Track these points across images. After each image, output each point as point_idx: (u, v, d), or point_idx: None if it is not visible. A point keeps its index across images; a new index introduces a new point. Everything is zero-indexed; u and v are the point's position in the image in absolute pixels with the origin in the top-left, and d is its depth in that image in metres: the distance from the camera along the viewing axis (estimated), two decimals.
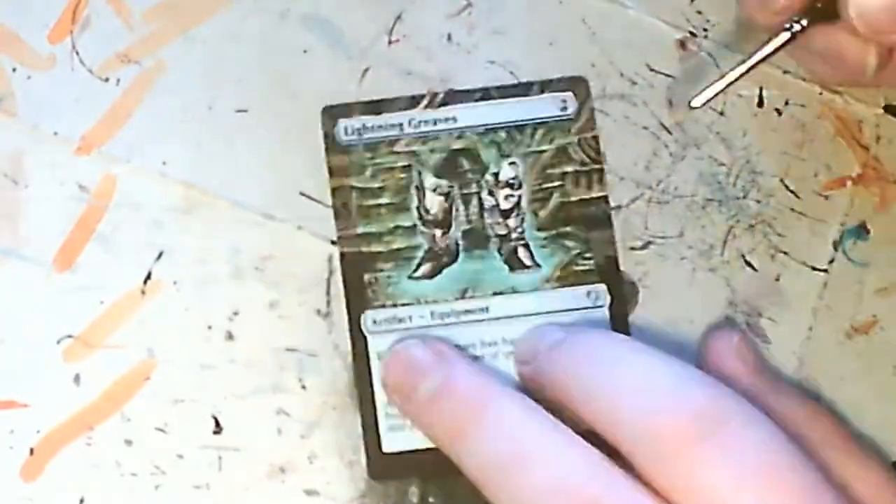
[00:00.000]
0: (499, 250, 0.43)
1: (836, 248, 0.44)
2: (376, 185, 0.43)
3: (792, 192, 0.44)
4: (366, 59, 0.44)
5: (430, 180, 0.43)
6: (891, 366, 0.44)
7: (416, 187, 0.43)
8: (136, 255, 0.43)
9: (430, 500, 0.42)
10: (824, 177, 0.45)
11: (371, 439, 0.41)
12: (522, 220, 0.43)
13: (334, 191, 0.43)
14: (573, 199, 0.43)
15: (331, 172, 0.43)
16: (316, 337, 0.43)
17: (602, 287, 0.43)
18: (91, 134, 0.43)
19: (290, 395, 0.42)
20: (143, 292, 0.43)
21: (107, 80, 0.44)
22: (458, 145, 0.43)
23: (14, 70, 0.43)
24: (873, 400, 0.43)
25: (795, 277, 0.44)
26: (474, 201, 0.43)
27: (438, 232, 0.43)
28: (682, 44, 0.45)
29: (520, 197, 0.43)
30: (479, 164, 0.43)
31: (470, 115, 0.43)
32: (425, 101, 0.43)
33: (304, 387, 0.42)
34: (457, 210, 0.43)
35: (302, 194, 0.43)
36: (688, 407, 0.34)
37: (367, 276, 0.42)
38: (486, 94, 0.44)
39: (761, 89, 0.45)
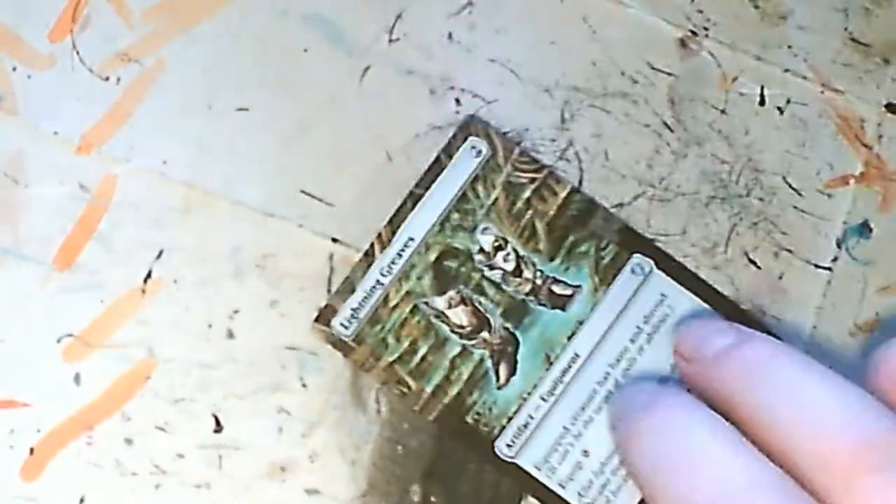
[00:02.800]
0: (540, 304, 0.42)
1: (839, 247, 0.44)
2: (405, 344, 0.42)
3: (795, 190, 0.44)
4: (366, 58, 0.44)
5: (439, 302, 0.42)
6: None
7: (436, 317, 0.42)
8: (136, 255, 0.43)
9: (433, 499, 0.42)
10: (827, 175, 0.45)
11: None
12: (533, 264, 0.42)
13: (381, 380, 0.42)
14: (551, 213, 0.43)
15: (364, 368, 0.42)
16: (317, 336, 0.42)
17: (637, 257, 0.42)
18: (91, 133, 0.43)
19: (291, 394, 0.42)
20: (143, 291, 0.42)
21: (107, 79, 0.44)
22: (433, 255, 0.43)
23: (14, 69, 0.43)
24: None
25: (799, 275, 0.44)
26: (486, 285, 0.42)
27: (485, 334, 0.42)
28: (682, 42, 0.45)
29: (514, 250, 0.43)
30: (461, 254, 0.43)
31: (419, 224, 0.43)
32: (378, 247, 0.43)
33: (304, 385, 0.42)
34: (480, 304, 0.42)
35: (303, 192, 0.43)
36: (861, 438, 0.34)
37: (469, 420, 0.42)
38: (414, 198, 0.43)
39: (763, 88, 0.45)
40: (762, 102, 0.45)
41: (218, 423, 0.42)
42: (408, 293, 0.42)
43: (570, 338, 0.42)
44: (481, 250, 0.43)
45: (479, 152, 0.43)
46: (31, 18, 0.44)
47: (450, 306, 0.42)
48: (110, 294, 0.42)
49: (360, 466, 0.42)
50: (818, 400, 0.35)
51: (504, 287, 0.42)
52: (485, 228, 0.43)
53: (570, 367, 0.42)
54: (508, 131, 0.44)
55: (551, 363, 0.42)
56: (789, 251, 0.44)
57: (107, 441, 0.42)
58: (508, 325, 0.42)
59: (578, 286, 0.42)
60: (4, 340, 0.42)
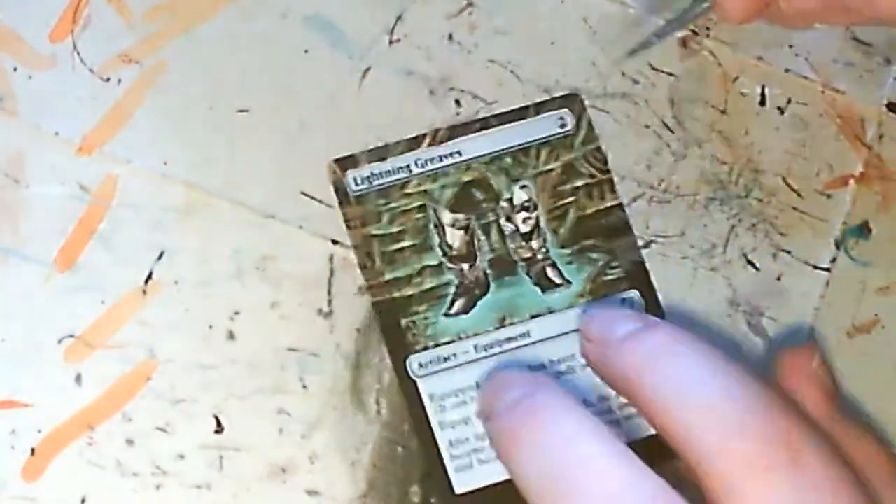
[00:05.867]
0: (528, 273, 0.43)
1: (838, 247, 0.44)
2: (395, 229, 0.43)
3: (794, 190, 0.44)
4: (367, 59, 0.44)
5: (446, 216, 0.43)
6: (892, 365, 0.44)
7: (435, 225, 0.43)
8: (137, 255, 0.43)
9: (432, 500, 0.42)
10: (826, 175, 0.45)
11: (440, 483, 0.41)
12: (544, 240, 0.43)
13: (355, 242, 0.43)
14: (589, 211, 0.43)
15: (348, 225, 0.43)
16: (317, 337, 0.43)
17: (634, 293, 0.43)
18: (92, 134, 0.43)
19: (292, 395, 0.42)
20: (144, 292, 0.42)
21: (108, 79, 0.44)
22: (467, 177, 0.43)
23: (15, 70, 0.43)
24: (874, 399, 0.43)
25: (797, 276, 0.44)
26: (494, 230, 0.43)
27: (465, 266, 0.43)
28: (683, 42, 0.45)
29: (537, 218, 0.43)
30: (492, 192, 0.43)
31: (473, 146, 0.44)
32: (427, 140, 0.43)
33: (305, 387, 0.42)
34: (478, 241, 0.43)
35: (303, 194, 0.43)
36: (761, 433, 0.34)
37: (404, 321, 0.42)
38: (485, 124, 0.44)
39: (763, 88, 0.45)
40: (763, 102, 0.45)
41: (219, 423, 0.42)
42: (426, 192, 0.43)
43: (533, 317, 0.42)
44: (510, 200, 0.43)
45: (564, 125, 0.44)
46: (32, 19, 0.44)
47: (453, 225, 0.43)
48: (111, 295, 0.42)
49: (360, 467, 0.42)
50: (715, 392, 0.35)
51: (507, 241, 0.43)
52: (524, 185, 0.43)
53: (516, 338, 0.42)
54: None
55: (503, 325, 0.42)
56: (788, 252, 0.44)
57: (108, 441, 0.42)
58: (490, 272, 0.43)
59: (570, 282, 0.43)
60: (5, 341, 0.42)
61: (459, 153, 0.43)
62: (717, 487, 0.33)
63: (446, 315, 0.42)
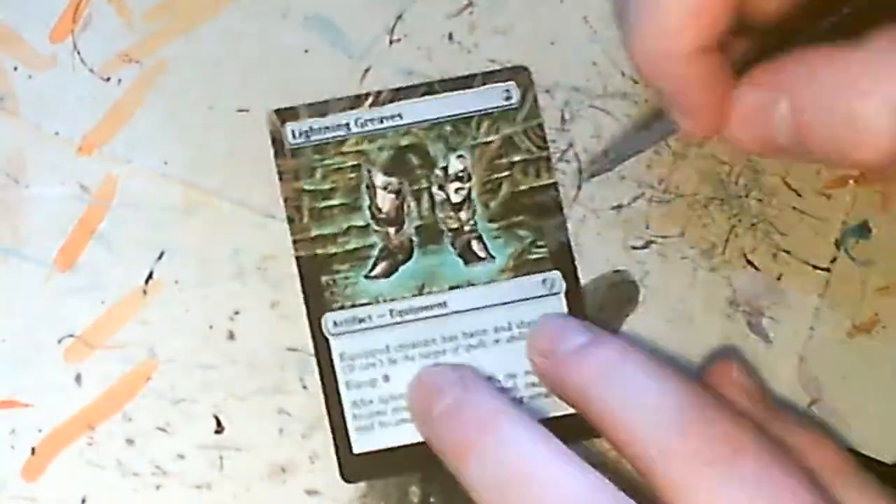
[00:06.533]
0: (452, 244, 0.43)
1: (837, 247, 0.44)
2: (327, 186, 0.43)
3: (794, 190, 0.44)
4: (367, 59, 0.44)
5: (380, 178, 0.43)
6: (892, 365, 0.44)
7: (367, 186, 0.43)
8: (137, 255, 0.43)
9: (432, 499, 0.42)
10: (826, 175, 0.45)
11: (341, 442, 0.42)
12: (474, 212, 0.43)
13: (286, 195, 0.43)
14: (522, 188, 0.43)
15: (281, 177, 0.43)
16: None
17: (556, 274, 0.43)
18: (92, 134, 0.43)
19: (292, 395, 0.42)
20: (144, 292, 0.43)
21: (108, 79, 0.44)
22: (405, 142, 0.43)
23: (15, 69, 0.43)
24: (875, 398, 0.44)
25: (797, 276, 0.44)
26: (425, 197, 0.43)
27: (392, 230, 0.43)
28: None
29: (470, 189, 0.43)
30: (428, 159, 0.43)
31: (415, 110, 0.44)
32: (370, 100, 0.43)
33: (305, 387, 0.42)
34: (409, 207, 0.43)
35: None
36: (705, 430, 0.35)
37: (324, 279, 0.42)
38: (430, 89, 0.44)
39: None
40: None
41: (219, 423, 0.42)
42: (362, 152, 0.43)
43: (452, 288, 0.43)
44: (445, 169, 0.43)
45: (508, 98, 0.44)
46: (32, 19, 0.44)
47: (385, 188, 0.43)
48: (111, 295, 0.43)
49: None
50: (659, 402, 0.36)
51: (437, 210, 0.43)
52: (461, 155, 0.43)
53: (432, 307, 0.43)
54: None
55: (421, 293, 0.43)
56: (787, 252, 0.44)
57: (108, 441, 0.42)
58: (415, 239, 0.43)
59: (493, 257, 0.43)
60: (6, 341, 0.42)
61: (400, 116, 0.43)
62: (667, 488, 0.35)
63: (367, 277, 0.43)
